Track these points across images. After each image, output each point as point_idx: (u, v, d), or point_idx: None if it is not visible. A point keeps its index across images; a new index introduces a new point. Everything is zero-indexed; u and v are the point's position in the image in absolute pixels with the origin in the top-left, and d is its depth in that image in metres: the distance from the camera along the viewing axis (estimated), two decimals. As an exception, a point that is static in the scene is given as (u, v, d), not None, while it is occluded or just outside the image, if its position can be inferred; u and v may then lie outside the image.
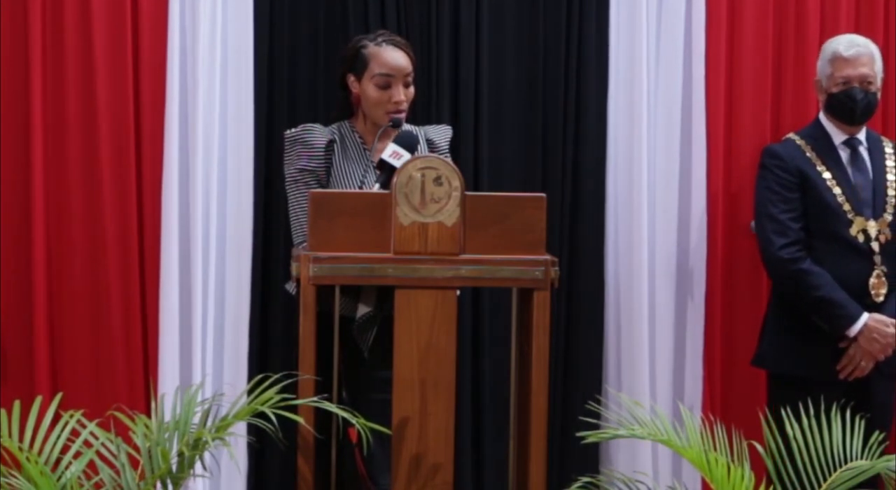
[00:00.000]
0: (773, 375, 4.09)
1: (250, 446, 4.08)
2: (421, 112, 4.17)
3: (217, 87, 4.13)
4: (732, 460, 3.04)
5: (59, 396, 3.11)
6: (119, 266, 4.08)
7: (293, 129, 3.61)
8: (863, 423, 3.31)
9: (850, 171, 4.02)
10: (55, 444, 2.97)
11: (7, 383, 4.03)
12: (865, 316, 3.89)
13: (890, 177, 4.04)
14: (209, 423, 3.04)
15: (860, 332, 3.89)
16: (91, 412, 3.10)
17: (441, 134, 3.73)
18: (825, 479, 3.16)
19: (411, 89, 3.60)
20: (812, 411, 3.29)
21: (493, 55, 4.32)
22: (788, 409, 3.29)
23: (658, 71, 4.36)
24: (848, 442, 3.25)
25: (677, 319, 4.37)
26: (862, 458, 3.22)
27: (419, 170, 3.13)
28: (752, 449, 3.20)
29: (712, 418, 3.44)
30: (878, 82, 4.04)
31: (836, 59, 4.01)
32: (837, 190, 3.97)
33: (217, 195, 4.13)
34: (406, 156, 3.33)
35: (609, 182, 4.36)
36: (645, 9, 4.32)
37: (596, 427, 3.36)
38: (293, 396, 3.01)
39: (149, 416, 3.07)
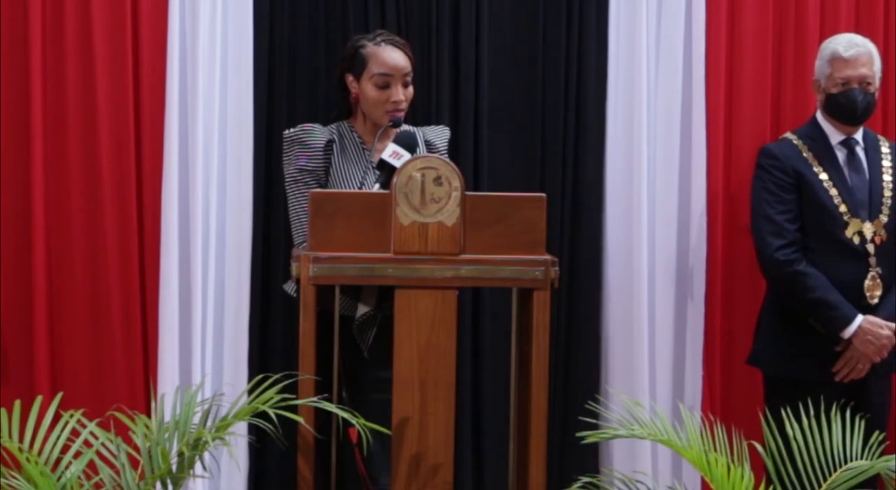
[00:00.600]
0: (769, 376, 4.10)
1: (250, 446, 4.08)
2: (421, 112, 4.18)
3: (217, 87, 4.13)
4: (732, 460, 3.04)
5: (59, 396, 3.11)
6: (119, 266, 4.08)
7: (292, 129, 3.61)
8: (863, 423, 3.31)
9: (846, 171, 4.02)
10: (55, 444, 2.97)
11: (7, 383, 4.03)
12: (860, 318, 3.89)
13: (886, 177, 4.03)
14: (209, 423, 3.04)
15: (855, 333, 3.89)
16: (91, 412, 3.09)
17: (439, 135, 3.73)
18: (825, 480, 3.16)
19: (410, 89, 3.60)
20: (811, 411, 3.29)
21: (493, 55, 4.32)
22: (788, 410, 3.29)
23: (658, 71, 4.37)
24: (847, 442, 3.24)
25: (677, 319, 4.37)
26: (862, 458, 3.22)
27: (419, 170, 3.13)
28: (751, 449, 3.21)
29: (712, 418, 3.44)
30: (877, 82, 4.04)
31: (836, 60, 4.00)
32: (833, 191, 3.97)
33: (217, 195, 4.13)
34: (406, 156, 3.33)
35: (609, 182, 4.36)
36: (645, 9, 4.32)
37: (596, 427, 3.36)
38: (293, 396, 3.01)
39: (149, 416, 3.07)
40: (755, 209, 4.06)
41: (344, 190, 3.51)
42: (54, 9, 4.05)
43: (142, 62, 4.10)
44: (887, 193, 4.01)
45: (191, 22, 4.09)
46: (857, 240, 3.94)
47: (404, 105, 3.58)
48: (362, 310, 3.44)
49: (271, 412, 2.92)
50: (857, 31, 4.36)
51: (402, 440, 3.13)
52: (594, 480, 3.19)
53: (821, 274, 3.92)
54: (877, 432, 3.33)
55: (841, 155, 4.04)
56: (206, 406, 3.10)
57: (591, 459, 4.29)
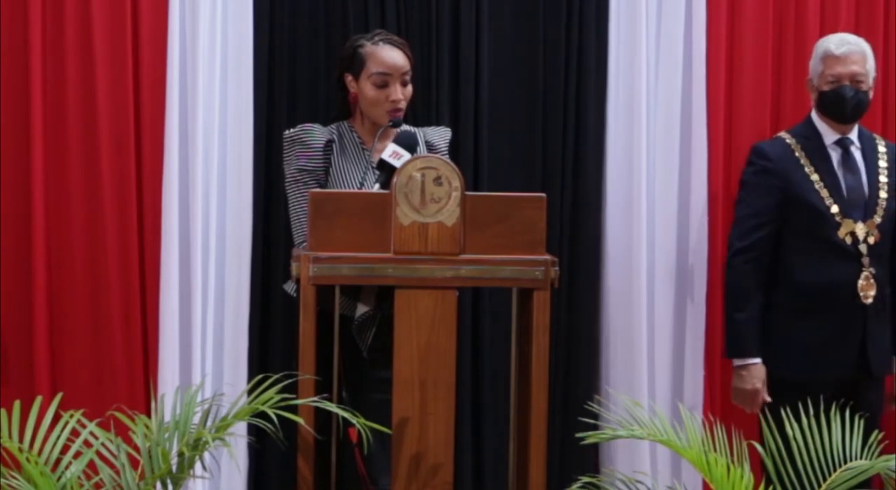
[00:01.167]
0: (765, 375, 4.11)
1: (250, 446, 4.08)
2: (421, 112, 4.18)
3: (217, 87, 4.13)
4: (732, 460, 3.04)
5: (59, 396, 3.11)
6: (119, 266, 4.08)
7: (292, 130, 3.61)
8: (862, 422, 3.31)
9: (840, 172, 4.01)
10: (55, 444, 2.97)
11: (7, 383, 4.03)
12: (756, 360, 3.98)
13: (882, 178, 4.03)
14: (209, 423, 3.04)
15: (737, 370, 4.01)
16: (91, 412, 3.09)
17: (440, 135, 3.73)
18: (825, 480, 3.16)
19: (409, 88, 3.60)
20: (809, 411, 3.29)
21: (493, 55, 4.32)
22: (787, 409, 3.29)
23: (658, 71, 4.37)
24: (847, 442, 3.24)
25: (677, 319, 4.37)
26: (861, 458, 3.22)
27: (419, 170, 3.13)
28: (751, 449, 3.21)
29: (712, 418, 3.44)
30: (870, 81, 4.03)
31: (827, 57, 4.01)
32: (825, 192, 3.97)
33: (217, 195, 4.13)
34: (406, 156, 3.33)
35: (609, 182, 4.36)
36: (645, 9, 4.32)
37: (596, 427, 3.37)
38: (293, 396, 3.01)
39: (149, 416, 3.07)
40: (736, 202, 4.12)
41: (344, 190, 3.50)
42: (54, 9, 4.05)
43: (142, 62, 4.10)
44: (883, 194, 4.01)
45: (191, 22, 4.09)
46: (849, 240, 3.94)
47: (403, 104, 3.58)
48: (361, 310, 3.44)
49: (271, 412, 2.92)
50: (857, 31, 4.36)
51: (402, 440, 3.13)
52: (594, 480, 3.19)
53: (756, 289, 3.98)
54: (876, 432, 3.33)
55: (835, 155, 4.03)
56: (206, 406, 3.10)
57: (591, 459, 4.29)
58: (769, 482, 3.14)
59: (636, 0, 4.31)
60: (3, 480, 2.91)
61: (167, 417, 3.05)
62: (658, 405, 4.06)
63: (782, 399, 3.73)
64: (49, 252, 4.07)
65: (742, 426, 3.36)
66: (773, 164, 4.01)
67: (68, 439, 2.98)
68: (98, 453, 2.95)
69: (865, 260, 3.94)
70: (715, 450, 3.08)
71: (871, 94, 4.05)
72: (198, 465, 2.98)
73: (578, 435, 3.25)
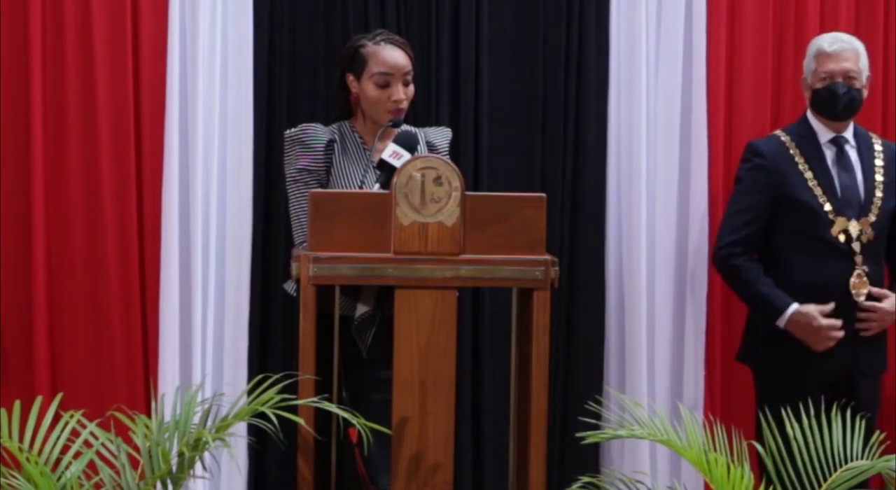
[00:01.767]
0: (758, 373, 4.10)
1: (250, 446, 4.07)
2: (421, 112, 4.18)
3: (217, 87, 4.13)
4: (732, 460, 3.03)
5: (59, 396, 3.11)
6: (119, 266, 4.08)
7: (293, 129, 3.61)
8: (863, 422, 3.31)
9: (834, 170, 4.02)
10: (55, 444, 2.97)
11: (7, 383, 4.03)
12: (792, 308, 3.91)
13: (878, 177, 4.03)
14: (209, 424, 3.03)
15: (787, 323, 3.92)
16: (91, 412, 3.09)
17: (441, 136, 3.73)
18: (825, 480, 3.16)
19: (411, 88, 3.60)
20: (800, 409, 3.29)
21: (493, 55, 4.32)
22: (788, 409, 3.29)
23: (658, 71, 4.37)
24: (847, 442, 3.24)
25: (677, 319, 4.37)
26: (862, 458, 3.22)
27: (419, 170, 3.13)
28: (751, 449, 3.21)
29: (712, 418, 3.44)
30: (864, 79, 4.04)
31: (820, 55, 4.02)
32: (818, 190, 3.97)
33: (217, 195, 4.13)
34: (406, 156, 3.33)
35: (609, 182, 4.36)
36: (645, 9, 4.32)
37: (596, 427, 3.36)
38: (293, 397, 3.01)
39: (149, 416, 3.07)
40: (729, 199, 4.12)
41: (344, 190, 3.50)
42: (54, 9, 4.05)
43: (142, 62, 4.10)
44: (879, 193, 4.01)
45: (191, 22, 4.09)
46: (842, 238, 3.94)
47: (405, 104, 3.58)
48: (361, 310, 3.44)
49: (271, 412, 2.92)
50: (857, 31, 4.36)
51: (401, 440, 3.13)
52: (594, 480, 3.19)
53: (757, 267, 3.98)
54: (877, 432, 3.33)
55: (829, 153, 4.04)
56: (206, 406, 3.10)
57: (591, 459, 4.29)
58: (769, 482, 3.14)
59: (636, 0, 4.31)
60: (3, 480, 2.91)
61: (167, 417, 3.05)
62: (658, 405, 4.06)
63: (776, 395, 3.73)
64: (49, 252, 4.07)
65: (742, 426, 3.36)
66: (767, 162, 4.01)
67: (68, 439, 2.98)
68: (98, 453, 2.95)
69: (858, 258, 3.94)
70: (715, 450, 3.07)
71: (864, 93, 4.05)
72: (198, 465, 2.98)
73: (578, 435, 3.25)
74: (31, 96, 4.02)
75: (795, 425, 3.25)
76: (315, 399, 3.03)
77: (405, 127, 3.59)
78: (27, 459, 2.86)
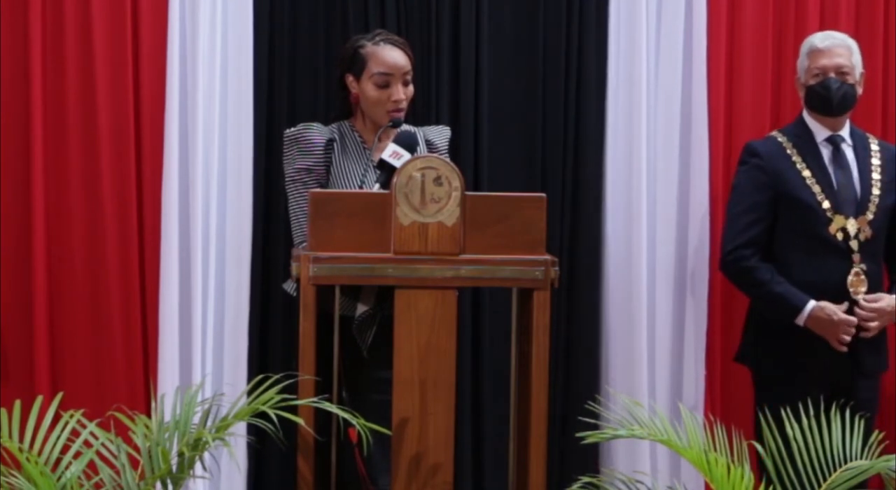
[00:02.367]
0: (757, 373, 4.11)
1: (250, 446, 4.08)
2: (421, 112, 4.18)
3: (217, 87, 4.13)
4: (732, 460, 3.03)
5: (59, 396, 3.11)
6: (119, 266, 4.08)
7: (293, 129, 3.61)
8: (862, 422, 3.31)
9: (831, 169, 4.02)
10: (55, 444, 2.97)
11: (7, 383, 4.03)
12: (810, 305, 3.89)
13: (875, 175, 4.03)
14: (209, 423, 3.03)
15: (807, 320, 3.90)
16: (91, 412, 3.09)
17: (440, 135, 3.73)
18: (825, 480, 3.16)
19: (410, 88, 3.60)
20: (800, 409, 3.29)
21: (493, 55, 4.32)
22: (787, 409, 3.29)
23: (658, 71, 4.37)
24: (847, 442, 3.24)
25: (677, 319, 4.37)
26: (861, 458, 3.22)
27: (419, 170, 3.13)
28: (751, 449, 3.21)
29: (712, 418, 3.43)
30: (857, 76, 4.04)
31: (812, 52, 4.04)
32: (816, 188, 3.97)
33: (217, 195, 4.13)
34: (406, 156, 3.33)
35: (609, 182, 4.36)
36: (645, 9, 4.32)
37: (596, 427, 3.36)
38: (293, 397, 3.01)
39: (149, 416, 3.07)
40: (727, 204, 4.11)
41: (344, 190, 3.50)
42: (54, 9, 4.05)
43: (142, 62, 4.10)
44: (875, 191, 4.01)
45: (191, 22, 4.09)
46: (840, 236, 3.95)
47: (405, 104, 3.58)
48: (361, 309, 3.44)
49: (271, 412, 2.92)
50: (857, 31, 4.37)
51: (402, 440, 3.13)
52: (594, 480, 3.19)
53: (770, 267, 3.96)
54: (876, 432, 3.33)
55: (826, 152, 4.04)
56: (206, 406, 3.10)
57: (591, 459, 4.29)
58: (769, 482, 3.14)
59: (636, 0, 4.31)
60: (3, 480, 2.91)
61: (167, 417, 3.05)
62: (658, 405, 4.06)
63: (774, 396, 3.73)
64: (49, 252, 4.07)
65: (742, 426, 3.36)
66: (765, 162, 4.02)
67: (68, 439, 2.98)
68: (98, 453, 2.95)
69: (856, 256, 3.94)
70: (715, 450, 3.07)
71: (858, 90, 4.05)
72: (198, 465, 2.98)
73: (578, 435, 3.25)
74: (31, 96, 4.02)
75: (795, 425, 3.25)
76: (315, 399, 3.03)
77: (405, 127, 3.59)
78: (27, 459, 2.86)
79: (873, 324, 3.92)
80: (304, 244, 3.28)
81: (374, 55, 3.56)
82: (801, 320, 3.90)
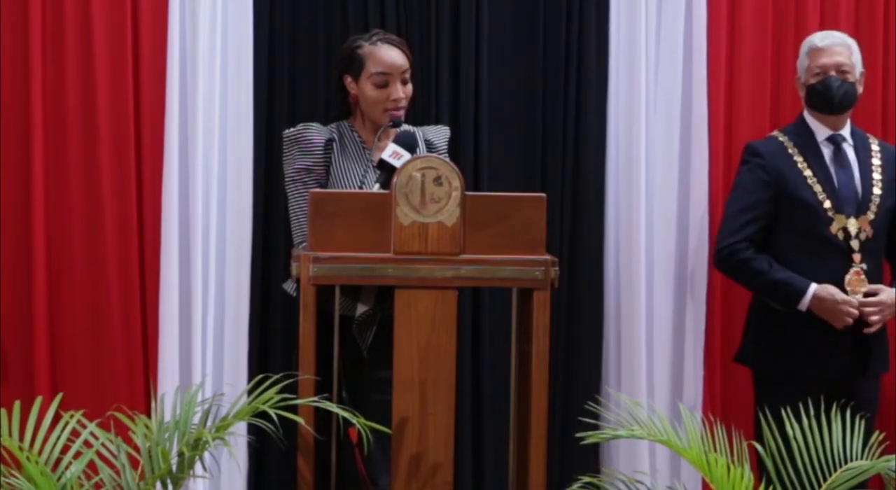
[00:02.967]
0: (757, 373, 4.11)
1: (250, 446, 4.08)
2: (421, 112, 4.18)
3: (217, 87, 4.13)
4: (732, 460, 3.04)
5: (59, 396, 3.11)
6: (119, 266, 4.08)
7: (292, 129, 3.61)
8: (863, 422, 3.31)
9: (832, 168, 4.02)
10: (55, 444, 2.97)
11: (7, 383, 4.03)
12: (813, 288, 3.89)
13: (876, 175, 4.04)
14: (209, 423, 3.03)
15: (811, 303, 3.89)
16: (91, 412, 3.09)
17: (439, 134, 3.73)
18: (825, 480, 3.16)
19: (409, 87, 3.60)
20: (807, 409, 3.29)
21: (493, 55, 4.32)
22: (788, 409, 3.29)
23: (658, 71, 4.37)
24: (847, 442, 3.24)
25: (677, 319, 4.37)
26: (862, 458, 3.22)
27: (419, 170, 3.13)
28: (751, 449, 3.21)
29: (712, 418, 3.43)
30: (857, 74, 4.04)
31: (812, 51, 4.04)
32: (818, 188, 3.97)
33: (217, 195, 4.13)
34: (406, 156, 3.33)
35: (609, 182, 4.37)
36: (645, 9, 4.32)
37: (595, 427, 3.36)
38: (293, 396, 3.01)
39: (149, 416, 3.07)
40: (727, 202, 4.11)
41: (344, 190, 3.50)
42: (54, 9, 4.05)
43: (142, 62, 4.10)
44: (876, 191, 4.01)
45: (191, 22, 4.10)
46: (841, 236, 3.95)
47: (404, 103, 3.58)
48: (361, 309, 3.44)
49: (271, 412, 2.92)
50: (857, 31, 4.37)
51: (401, 440, 3.13)
52: (594, 480, 3.19)
53: (766, 256, 3.96)
54: (877, 432, 3.33)
55: (827, 151, 4.04)
56: (206, 406, 3.10)
57: (591, 459, 4.29)
58: (769, 482, 3.14)
59: (636, 0, 4.31)
60: (3, 480, 2.91)
61: (167, 417, 3.05)
62: (658, 405, 4.06)
63: (774, 396, 3.73)
64: (49, 252, 4.07)
65: (742, 426, 3.36)
66: (766, 161, 4.02)
67: (68, 439, 2.98)
68: (98, 453, 2.95)
69: (857, 256, 3.94)
70: (715, 450, 3.07)
71: (859, 89, 4.05)
72: (198, 465, 2.98)
73: (578, 435, 3.25)
74: (31, 96, 4.02)
75: (795, 425, 3.25)
76: (315, 399, 3.03)
77: (405, 127, 3.59)
78: (27, 459, 2.86)
79: (875, 317, 3.92)
80: (304, 244, 3.28)
81: (372, 55, 3.56)
82: (804, 304, 3.90)
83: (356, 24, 4.18)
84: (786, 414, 3.27)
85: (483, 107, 4.30)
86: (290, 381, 3.04)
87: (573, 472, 3.71)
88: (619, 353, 4.35)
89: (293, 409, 2.97)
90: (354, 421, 2.96)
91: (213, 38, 4.12)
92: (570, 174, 4.35)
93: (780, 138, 4.08)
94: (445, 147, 3.72)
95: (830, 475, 3.18)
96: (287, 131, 3.62)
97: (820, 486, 3.15)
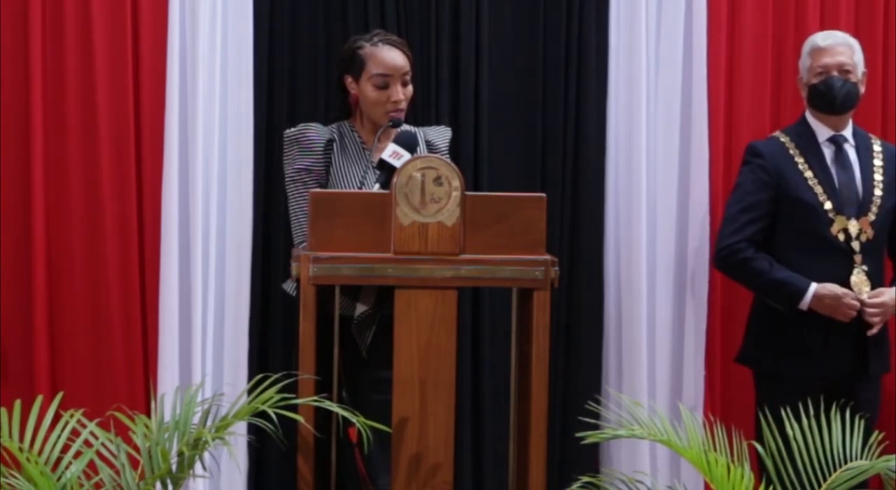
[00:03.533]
0: (758, 374, 4.11)
1: (250, 446, 4.08)
2: (421, 112, 4.18)
3: (217, 87, 4.13)
4: (732, 460, 3.03)
5: (59, 396, 3.11)
6: (119, 266, 4.08)
7: (292, 129, 3.61)
8: (863, 423, 3.31)
9: (833, 169, 4.02)
10: (55, 444, 2.96)
11: (7, 383, 4.03)
12: (813, 286, 3.89)
13: (877, 176, 4.03)
14: (209, 423, 3.03)
15: (812, 302, 3.89)
16: (91, 412, 3.09)
17: (440, 135, 3.73)
18: (825, 480, 3.16)
19: (409, 88, 3.60)
20: (800, 409, 3.28)
21: (493, 55, 4.32)
22: (787, 409, 3.29)
23: (658, 71, 4.37)
24: (847, 442, 3.24)
25: (677, 319, 4.37)
26: (861, 458, 3.22)
27: (419, 170, 3.13)
28: (751, 448, 3.21)
29: (712, 418, 3.43)
30: (859, 74, 4.04)
31: (814, 51, 4.04)
32: (819, 189, 3.97)
33: (217, 195, 4.13)
34: (406, 156, 3.33)
35: (609, 182, 4.37)
36: (645, 9, 4.32)
37: (596, 427, 3.36)
38: (293, 396, 3.01)
39: (149, 416, 3.07)
40: (727, 203, 4.11)
41: (344, 190, 3.50)
42: (54, 9, 4.05)
43: (142, 62, 4.10)
44: (878, 192, 4.01)
45: (191, 22, 4.09)
46: (842, 237, 3.94)
47: (404, 104, 3.58)
48: (360, 309, 3.44)
49: (271, 412, 2.92)
50: (857, 31, 4.37)
51: (401, 440, 3.13)
52: (594, 480, 3.19)
53: (766, 257, 3.96)
54: (876, 432, 3.33)
55: (828, 152, 4.04)
56: (206, 406, 3.10)
57: (591, 459, 4.29)
58: (769, 482, 3.14)
59: (636, 0, 4.31)
60: (3, 480, 2.91)
61: (167, 417, 3.05)
62: (658, 405, 4.06)
63: (775, 396, 3.73)
64: (49, 252, 4.07)
65: (742, 426, 3.36)
66: (767, 162, 4.02)
67: (68, 439, 2.98)
68: (98, 453, 2.95)
69: (858, 257, 3.94)
70: (715, 450, 3.07)
71: (861, 89, 4.05)
72: (198, 465, 2.98)
73: (578, 435, 3.25)
74: (31, 96, 4.02)
75: (795, 426, 3.25)
76: (315, 398, 3.03)
77: (405, 127, 3.59)
78: (27, 459, 2.86)
79: (877, 319, 3.92)
80: (304, 244, 3.28)
81: (373, 56, 3.56)
82: (805, 303, 3.90)
83: (356, 24, 4.18)
84: (786, 414, 3.27)
85: (483, 107, 4.30)
86: (290, 380, 3.04)
87: (573, 472, 3.71)
88: (620, 353, 4.35)
89: (293, 408, 2.97)
90: (354, 421, 2.96)
91: (213, 38, 4.12)
92: (570, 174, 4.35)
93: (782, 139, 4.08)
94: (446, 148, 3.71)
95: (830, 475, 3.18)
96: (287, 131, 3.62)
97: (820, 486, 3.15)
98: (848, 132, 4.07)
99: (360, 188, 3.50)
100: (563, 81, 4.34)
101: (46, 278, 4.06)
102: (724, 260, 4.04)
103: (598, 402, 3.53)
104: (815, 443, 3.22)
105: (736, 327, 4.31)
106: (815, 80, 4.02)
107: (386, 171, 3.34)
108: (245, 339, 4.15)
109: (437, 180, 3.13)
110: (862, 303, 3.91)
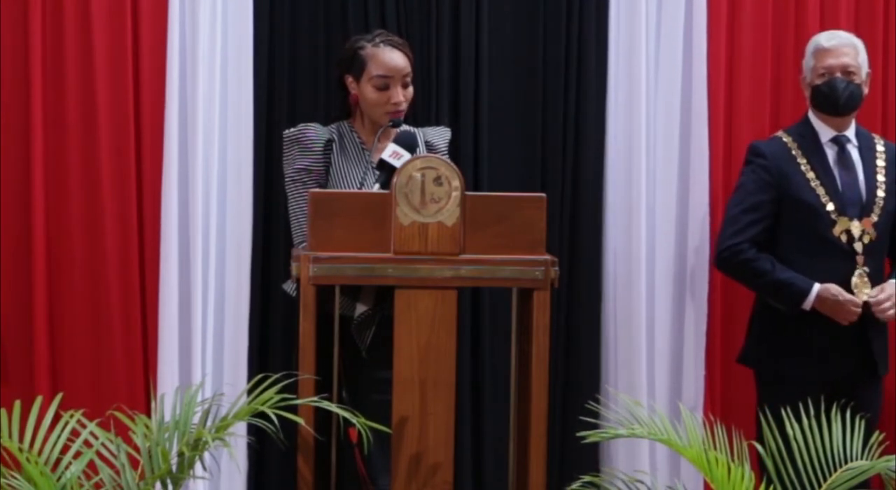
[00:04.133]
0: (760, 374, 4.10)
1: (250, 446, 4.08)
2: (421, 112, 4.18)
3: (217, 87, 4.13)
4: (732, 460, 3.03)
5: (59, 396, 3.11)
6: (119, 266, 4.08)
7: (292, 129, 3.61)
8: (863, 423, 3.31)
9: (836, 170, 4.01)
10: (55, 444, 2.96)
11: (7, 383, 4.03)
12: (816, 287, 3.88)
13: (880, 177, 4.03)
14: (209, 423, 3.03)
15: (815, 303, 3.89)
16: (91, 412, 3.09)
17: (440, 136, 3.73)
18: (825, 480, 3.16)
19: (410, 89, 3.60)
20: (800, 410, 3.28)
21: (493, 55, 4.32)
22: (788, 409, 3.29)
23: (658, 71, 4.37)
24: (847, 442, 3.24)
25: (677, 319, 4.37)
26: (862, 458, 3.22)
27: (419, 170, 3.13)
28: (751, 448, 3.21)
29: (712, 418, 3.43)
30: (863, 75, 4.04)
31: (818, 51, 4.03)
32: (821, 190, 3.97)
33: (217, 195, 4.13)
34: (406, 156, 3.33)
35: (609, 182, 4.37)
36: (645, 9, 4.32)
37: (596, 427, 3.36)
38: (293, 396, 3.01)
39: (149, 416, 3.07)
40: (729, 203, 4.11)
41: (344, 190, 3.50)
42: (54, 9, 4.05)
43: (142, 62, 4.10)
44: (880, 193, 4.00)
45: (191, 22, 4.09)
46: (844, 238, 3.94)
47: (404, 106, 3.58)
48: (360, 309, 3.44)
49: (271, 412, 2.92)
50: (857, 31, 4.36)
51: (401, 440, 3.13)
52: (594, 480, 3.19)
53: (769, 257, 3.95)
54: (877, 432, 3.33)
55: (831, 153, 4.03)
56: (206, 406, 3.10)
57: (591, 459, 4.29)
58: (769, 482, 3.13)
59: (636, 0, 4.31)
60: (3, 480, 2.91)
61: (167, 417, 3.05)
62: (658, 405, 4.06)
63: (777, 397, 3.73)
64: (49, 252, 4.07)
65: (742, 426, 3.36)
66: (769, 162, 4.01)
67: (68, 439, 2.98)
68: (98, 453, 2.95)
69: (860, 258, 3.94)
70: (715, 450, 3.07)
71: (864, 89, 4.05)
72: (198, 465, 2.98)
73: (578, 434, 3.25)
74: (31, 96, 4.02)
75: (795, 426, 3.25)
76: (315, 399, 3.03)
77: (405, 127, 3.59)
78: (27, 459, 2.86)
79: (891, 312, 3.91)
80: (304, 244, 3.28)
81: (374, 57, 3.56)
82: (808, 303, 3.89)
83: (356, 24, 4.18)
84: (786, 414, 3.27)
85: (483, 107, 4.30)
86: (290, 380, 3.04)
87: (573, 471, 3.71)
88: (619, 353, 4.35)
89: (293, 409, 2.97)
90: (354, 421, 2.96)
91: (213, 37, 4.12)
92: (570, 174, 4.35)
93: (784, 139, 4.08)
94: (446, 148, 3.72)
95: (831, 475, 3.18)
96: (287, 131, 3.62)
97: (820, 486, 3.15)
98: (851, 132, 4.06)
99: (359, 188, 3.50)
100: (563, 81, 4.34)
101: (46, 278, 4.06)
102: (726, 261, 4.03)
103: (598, 401, 3.53)
104: (815, 443, 3.22)
105: (736, 327, 4.32)
106: (818, 81, 4.02)
107: (386, 172, 3.34)
108: (245, 339, 4.15)
109: (437, 180, 3.13)
110: (869, 304, 3.90)
